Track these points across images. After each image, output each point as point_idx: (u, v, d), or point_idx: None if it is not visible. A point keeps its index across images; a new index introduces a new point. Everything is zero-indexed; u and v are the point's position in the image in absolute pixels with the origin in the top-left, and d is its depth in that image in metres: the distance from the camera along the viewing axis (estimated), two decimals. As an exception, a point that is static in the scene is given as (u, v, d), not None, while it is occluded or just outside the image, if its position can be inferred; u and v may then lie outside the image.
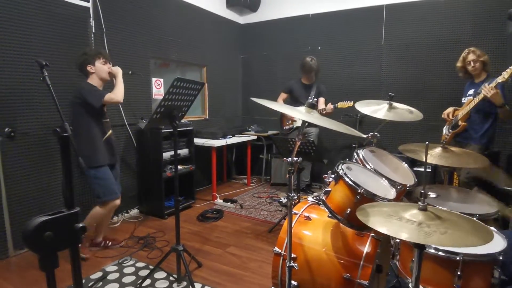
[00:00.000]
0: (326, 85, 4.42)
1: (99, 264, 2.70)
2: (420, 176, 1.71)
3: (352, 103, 3.84)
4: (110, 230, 3.35)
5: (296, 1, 5.13)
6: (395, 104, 2.15)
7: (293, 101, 4.32)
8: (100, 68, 2.69)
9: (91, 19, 3.32)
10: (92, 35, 3.33)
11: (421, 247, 1.10)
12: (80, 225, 0.94)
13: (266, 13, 5.47)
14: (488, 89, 2.66)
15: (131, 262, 2.72)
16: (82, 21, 3.24)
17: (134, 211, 3.88)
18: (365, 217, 1.12)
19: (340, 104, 3.99)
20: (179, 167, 3.90)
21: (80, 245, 1.07)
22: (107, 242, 2.98)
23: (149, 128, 2.77)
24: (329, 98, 4.26)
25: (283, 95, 4.45)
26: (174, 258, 2.45)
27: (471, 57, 2.95)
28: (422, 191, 1.07)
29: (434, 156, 1.93)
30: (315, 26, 4.99)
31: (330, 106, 4.01)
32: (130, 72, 2.93)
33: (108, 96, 2.61)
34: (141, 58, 3.88)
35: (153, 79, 4.09)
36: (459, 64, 3.08)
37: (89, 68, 2.66)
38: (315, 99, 1.34)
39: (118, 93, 2.67)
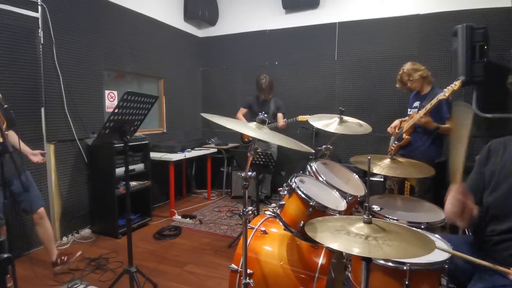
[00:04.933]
0: (283, 99, 4.53)
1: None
2: (371, 186, 1.78)
3: (309, 116, 3.96)
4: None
5: (253, 17, 5.23)
6: (345, 118, 2.23)
7: (252, 115, 4.45)
8: None
9: (40, 29, 3.14)
10: (41, 46, 3.15)
11: (368, 260, 1.13)
12: (5, 255, 0.85)
13: (224, 27, 5.52)
14: (417, 118, 2.78)
15: (82, 286, 2.51)
16: (30, 32, 3.06)
17: (86, 231, 3.65)
18: (314, 233, 1.12)
19: (301, 118, 4.12)
20: (134, 183, 3.75)
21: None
22: (63, 258, 2.73)
23: (98, 143, 2.60)
24: (286, 112, 4.35)
25: (242, 110, 4.56)
26: (127, 280, 2.32)
27: (405, 78, 3.09)
28: (366, 205, 1.10)
29: (383, 167, 2.01)
30: (272, 42, 5.11)
31: (283, 123, 4.19)
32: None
33: None
34: (94, 70, 3.72)
35: (106, 92, 3.93)
36: (398, 85, 3.22)
37: None
38: (265, 115, 1.36)
39: None
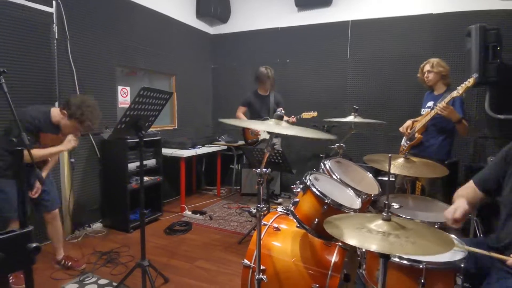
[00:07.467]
0: (294, 97, 4.50)
1: (58, 282, 2.53)
2: (384, 185, 1.77)
3: (316, 113, 3.94)
4: (71, 245, 3.17)
5: (265, 15, 5.23)
6: (360, 117, 2.22)
7: (253, 114, 4.30)
8: (67, 125, 2.41)
9: (54, 25, 3.17)
10: (55, 42, 3.19)
11: (386, 257, 1.13)
12: (34, 245, 0.87)
13: (236, 24, 5.52)
14: (441, 108, 2.67)
15: (93, 279, 2.57)
16: (44, 27, 3.10)
17: (97, 225, 3.70)
18: (334, 230, 1.12)
19: (305, 115, 4.07)
20: (146, 178, 3.78)
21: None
22: (67, 262, 2.76)
23: (114, 138, 2.63)
24: (297, 109, 4.30)
25: (242, 109, 4.39)
26: (139, 274, 2.35)
27: (426, 67, 3.03)
28: (386, 202, 1.10)
29: (397, 166, 2.01)
30: (284, 39, 5.10)
31: (293, 119, 4.04)
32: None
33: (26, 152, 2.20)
34: (107, 66, 3.76)
35: (119, 88, 3.97)
36: (419, 75, 3.15)
37: (63, 111, 2.37)
38: (283, 111, 1.39)
39: (35, 155, 2.11)
